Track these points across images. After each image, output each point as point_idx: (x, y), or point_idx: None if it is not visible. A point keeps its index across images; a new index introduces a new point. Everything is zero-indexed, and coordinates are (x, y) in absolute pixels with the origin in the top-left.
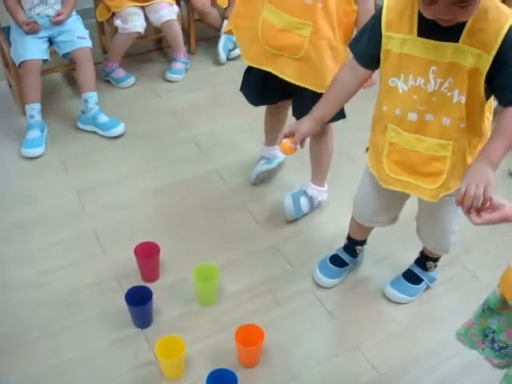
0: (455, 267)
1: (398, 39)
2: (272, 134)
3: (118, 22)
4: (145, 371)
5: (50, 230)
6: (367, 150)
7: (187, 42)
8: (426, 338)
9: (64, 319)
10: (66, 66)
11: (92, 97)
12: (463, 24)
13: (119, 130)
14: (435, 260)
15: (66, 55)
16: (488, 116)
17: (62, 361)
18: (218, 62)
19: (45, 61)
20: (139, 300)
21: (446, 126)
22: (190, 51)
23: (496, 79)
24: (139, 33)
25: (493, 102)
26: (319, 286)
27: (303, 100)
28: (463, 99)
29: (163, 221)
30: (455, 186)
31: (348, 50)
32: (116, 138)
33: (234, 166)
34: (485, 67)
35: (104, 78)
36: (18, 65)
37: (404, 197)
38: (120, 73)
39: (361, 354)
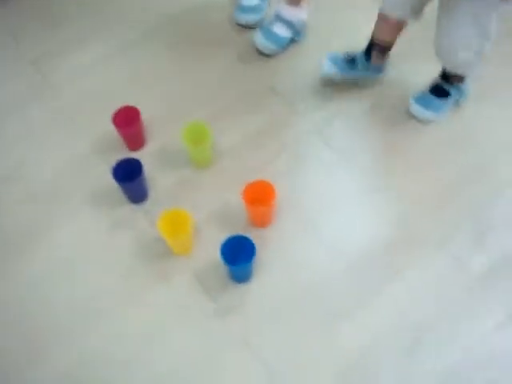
0: None
1: None
2: None
3: None
4: (151, 251)
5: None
6: None
7: None
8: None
9: (52, 213)
10: None
11: None
12: None
13: None
14: (460, 80)
15: None
16: None
17: (61, 257)
18: None
19: None
20: (129, 174)
21: None
22: None
23: None
24: None
25: None
26: (325, 124)
27: None
28: None
29: (136, 80)
30: None
31: None
32: None
33: None
34: None
35: None
36: None
37: None
38: None
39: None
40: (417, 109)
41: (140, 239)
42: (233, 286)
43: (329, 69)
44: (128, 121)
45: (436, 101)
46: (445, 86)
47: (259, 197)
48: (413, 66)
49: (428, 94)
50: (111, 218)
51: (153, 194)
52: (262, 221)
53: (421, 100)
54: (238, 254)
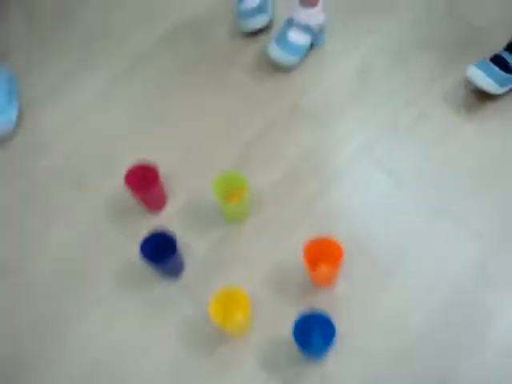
0: None
1: None
2: None
3: None
4: (200, 336)
5: None
6: None
7: None
8: None
9: (73, 303)
10: None
11: None
12: None
13: None
14: None
15: None
16: None
17: (98, 359)
18: None
19: None
20: (160, 248)
21: None
22: None
23: None
24: None
25: None
26: (370, 145)
27: None
28: None
29: (139, 123)
30: None
31: None
32: None
33: None
34: None
35: None
36: None
37: None
38: None
39: None
40: (476, 73)
41: (184, 323)
42: (308, 367)
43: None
44: (144, 181)
45: (498, 71)
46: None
47: (322, 256)
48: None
49: (489, 63)
50: (145, 302)
51: (188, 263)
52: (328, 281)
53: (482, 66)
54: (310, 331)
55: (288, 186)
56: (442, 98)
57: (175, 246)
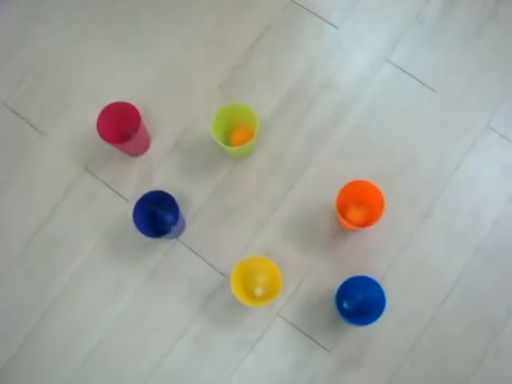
0: None
1: None
2: None
3: None
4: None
5: None
6: None
7: None
8: None
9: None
10: None
11: None
12: None
13: None
14: None
15: None
16: None
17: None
18: None
19: None
20: (157, 206)
21: None
22: None
23: None
24: None
25: None
26: None
27: None
28: None
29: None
30: None
31: None
32: None
33: None
34: None
35: None
36: None
37: None
38: None
39: None
40: None
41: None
42: (347, 330)
43: None
44: (122, 123)
45: None
46: None
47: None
48: None
49: None
50: (149, 271)
51: (188, 217)
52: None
53: None
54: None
55: (295, 108)
56: None
57: (175, 204)
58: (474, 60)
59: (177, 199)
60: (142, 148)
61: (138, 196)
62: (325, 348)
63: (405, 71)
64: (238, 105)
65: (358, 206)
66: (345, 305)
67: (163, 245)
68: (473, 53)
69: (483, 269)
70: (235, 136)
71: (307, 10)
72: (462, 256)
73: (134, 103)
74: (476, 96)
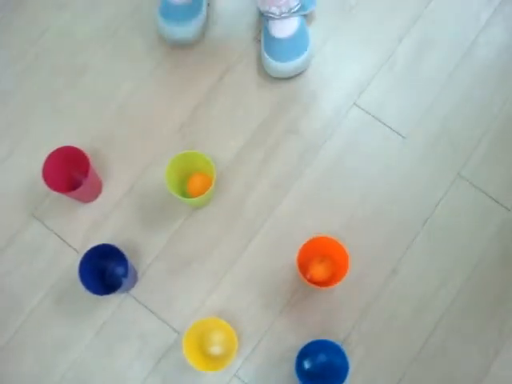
0: None
1: None
2: None
3: None
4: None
5: None
6: None
7: None
8: None
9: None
10: None
11: None
12: None
13: None
14: None
15: None
16: None
17: None
18: None
19: None
20: (106, 259)
21: None
22: None
23: None
24: None
25: None
26: None
27: None
28: None
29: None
30: None
31: None
32: None
33: None
34: None
35: None
36: None
37: None
38: None
39: None
40: None
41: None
42: None
43: None
44: (70, 169)
45: None
46: None
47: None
48: None
49: None
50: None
51: (140, 272)
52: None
53: None
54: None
55: (256, 155)
56: None
57: (122, 257)
58: (446, 103)
59: (126, 253)
60: (93, 195)
61: (89, 245)
62: None
63: (373, 116)
64: (194, 153)
65: (322, 260)
66: (306, 365)
67: (114, 298)
68: (445, 95)
69: (455, 325)
70: (192, 184)
71: None
72: (431, 314)
73: (86, 143)
74: (449, 143)
